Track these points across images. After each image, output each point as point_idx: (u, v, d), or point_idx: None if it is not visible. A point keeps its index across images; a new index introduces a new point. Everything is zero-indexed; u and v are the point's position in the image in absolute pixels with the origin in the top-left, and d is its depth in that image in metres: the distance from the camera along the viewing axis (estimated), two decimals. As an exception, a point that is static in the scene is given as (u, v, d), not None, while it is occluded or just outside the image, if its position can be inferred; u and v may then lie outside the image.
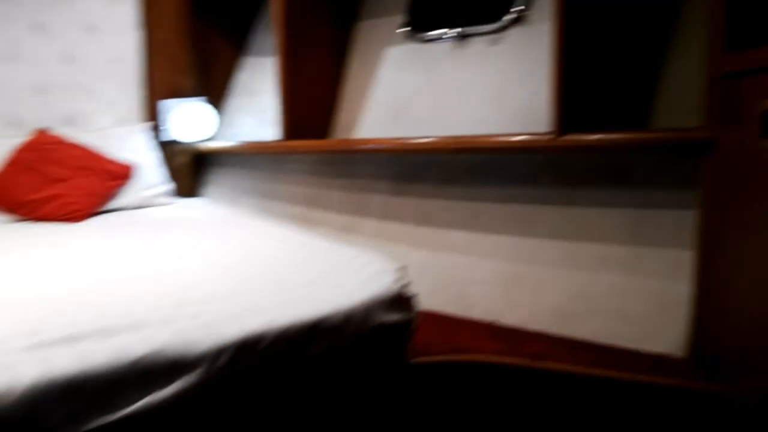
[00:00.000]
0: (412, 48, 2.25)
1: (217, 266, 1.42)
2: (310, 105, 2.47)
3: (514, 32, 1.94)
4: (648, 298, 1.49)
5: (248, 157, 2.80)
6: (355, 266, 1.36)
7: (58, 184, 2.33)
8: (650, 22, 1.61)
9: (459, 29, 2.07)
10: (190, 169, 2.93)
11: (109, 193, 2.44)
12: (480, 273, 1.86)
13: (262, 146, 2.58)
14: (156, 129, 2.84)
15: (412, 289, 1.36)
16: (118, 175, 2.48)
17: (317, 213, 2.44)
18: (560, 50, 1.54)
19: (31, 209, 2.26)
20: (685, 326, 1.42)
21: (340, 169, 2.40)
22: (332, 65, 2.53)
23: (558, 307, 1.66)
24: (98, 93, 2.75)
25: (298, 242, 1.66)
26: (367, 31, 2.49)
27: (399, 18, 2.30)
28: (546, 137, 1.58)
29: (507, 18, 1.94)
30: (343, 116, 2.52)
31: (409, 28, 2.25)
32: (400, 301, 1.28)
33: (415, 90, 2.22)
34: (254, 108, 2.90)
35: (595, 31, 1.66)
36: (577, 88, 1.59)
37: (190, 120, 2.79)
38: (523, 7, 1.91)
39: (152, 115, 2.86)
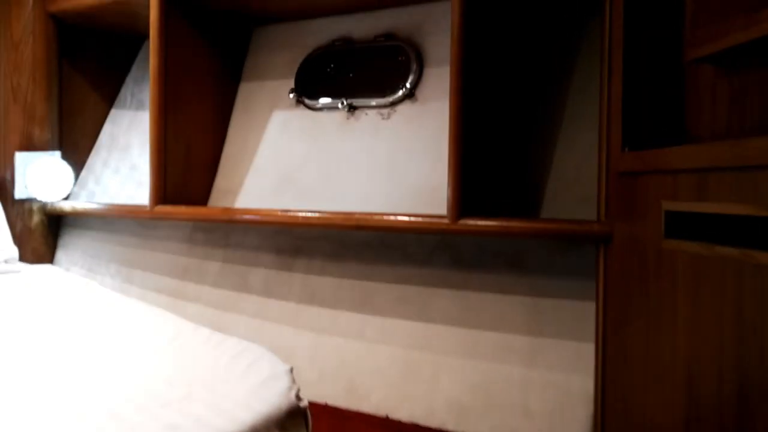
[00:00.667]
0: (300, 114, 2.13)
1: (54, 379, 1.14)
2: (186, 166, 2.24)
3: (405, 107, 1.89)
4: (550, 392, 1.42)
5: (111, 221, 2.48)
6: (238, 371, 1.14)
7: None
8: (545, 109, 1.61)
9: (349, 100, 1.99)
10: (42, 232, 2.54)
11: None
12: (372, 360, 1.71)
13: (129, 210, 2.29)
14: (3, 185, 2.44)
15: (303, 393, 1.17)
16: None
17: (190, 286, 2.17)
18: (456, 131, 1.48)
19: None
20: (589, 424, 1.36)
21: (218, 238, 2.18)
22: (213, 125, 2.34)
23: (456, 400, 1.54)
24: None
25: (167, 335, 1.42)
26: (252, 92, 2.34)
27: (287, 82, 2.18)
28: (442, 220, 1.50)
29: (398, 93, 1.89)
30: (223, 180, 2.31)
31: (297, 94, 2.13)
32: (295, 415, 1.08)
33: (302, 158, 2.08)
34: (122, 165, 2.60)
35: (491, 112, 1.63)
36: (472, 171, 1.54)
37: (45, 176, 2.43)
38: (413, 83, 1.87)
39: (1, 170, 2.47)
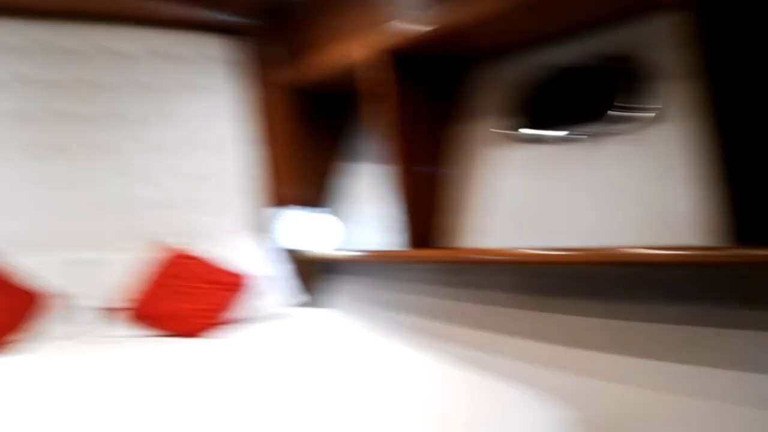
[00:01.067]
0: (526, 148, 2.13)
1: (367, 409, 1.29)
2: (424, 211, 2.38)
3: (647, 132, 1.79)
4: None
5: (367, 266, 2.73)
6: (524, 416, 1.18)
7: (182, 297, 2.35)
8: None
9: (579, 127, 1.94)
10: (306, 279, 2.89)
11: (232, 305, 2.42)
12: (643, 407, 1.63)
13: (384, 256, 2.51)
14: (269, 239, 2.85)
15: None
16: (240, 286, 2.47)
17: (443, 326, 2.29)
18: (716, 150, 1.37)
19: (159, 323, 2.30)
20: None
21: (465, 278, 2.27)
22: (435, 168, 2.44)
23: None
24: (214, 206, 2.82)
25: (454, 377, 1.52)
26: (470, 130, 2.39)
27: (505, 117, 2.20)
28: (720, 251, 1.39)
29: (630, 115, 1.80)
30: (460, 221, 2.41)
31: (521, 127, 2.13)
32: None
33: (535, 192, 2.08)
34: (363, 214, 2.85)
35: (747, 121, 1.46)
36: (743, 194, 1.41)
37: (303, 229, 2.79)
38: (643, 103, 1.77)
39: (265, 226, 2.89)
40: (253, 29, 2.85)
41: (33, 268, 2.30)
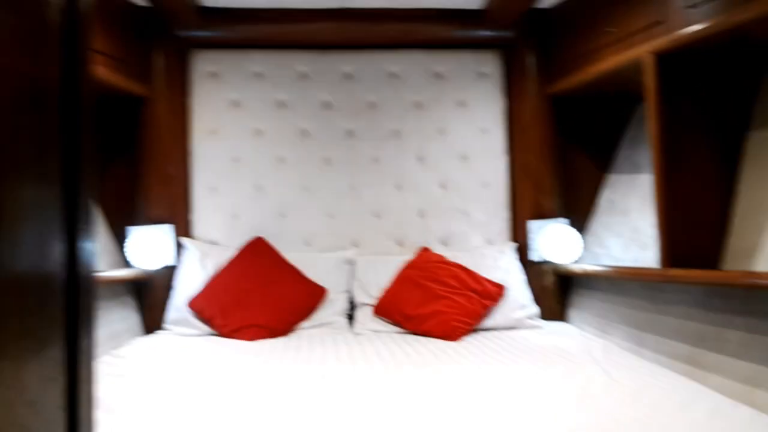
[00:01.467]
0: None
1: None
2: (694, 228, 2.16)
3: None
4: None
5: (618, 282, 2.57)
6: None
7: (439, 300, 2.48)
8: None
9: None
10: (555, 291, 2.83)
11: (484, 313, 2.50)
12: None
13: (636, 272, 2.33)
14: (522, 249, 2.86)
15: None
16: (492, 294, 2.54)
17: (708, 355, 2.04)
18: None
19: (415, 323, 2.45)
20: None
21: (740, 304, 1.99)
22: (718, 182, 2.19)
23: None
24: (470, 215, 2.92)
25: (701, 409, 1.36)
26: (763, 141, 2.09)
27: None
28: None
29: None
30: (737, 240, 2.12)
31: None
32: None
33: None
34: (623, 228, 2.69)
35: None
36: None
37: (555, 241, 2.72)
38: None
39: (518, 236, 2.90)
40: (509, 41, 2.90)
41: (314, 264, 2.70)
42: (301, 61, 2.91)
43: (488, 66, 2.97)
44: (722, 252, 2.16)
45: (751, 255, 2.04)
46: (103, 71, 2.35)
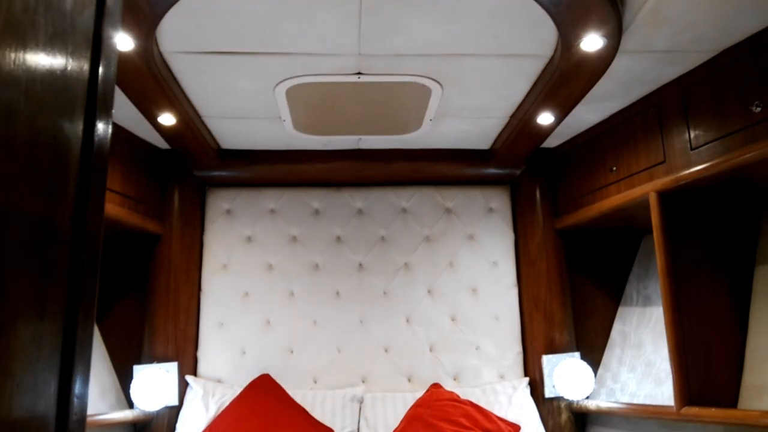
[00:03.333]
0: None
1: None
2: (708, 364, 2.15)
3: None
4: None
5: (634, 420, 2.49)
6: None
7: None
8: None
9: None
10: (570, 429, 2.74)
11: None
12: None
13: (651, 411, 2.29)
14: (534, 384, 2.81)
15: None
16: (511, 436, 2.47)
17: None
18: None
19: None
20: None
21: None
22: (730, 317, 2.21)
23: None
24: (481, 349, 2.92)
25: None
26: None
27: None
28: None
29: None
30: (752, 377, 2.09)
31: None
32: None
33: None
34: (637, 362, 2.66)
35: None
36: None
37: (567, 376, 2.69)
38: None
39: (531, 370, 2.88)
40: (517, 178, 3.08)
41: (321, 402, 2.69)
42: (314, 198, 3.10)
43: (496, 201, 3.13)
44: (739, 389, 2.12)
45: (766, 391, 2.00)
46: (120, 211, 2.53)
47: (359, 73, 2.18)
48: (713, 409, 1.97)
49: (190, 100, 2.39)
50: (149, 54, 1.95)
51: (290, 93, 2.31)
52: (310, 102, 2.43)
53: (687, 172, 2.11)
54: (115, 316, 2.82)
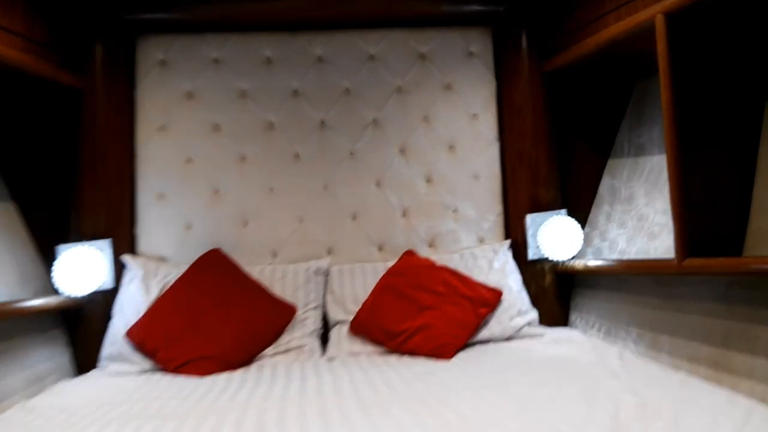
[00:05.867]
0: None
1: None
2: (713, 211, 2.01)
3: None
4: None
5: (625, 278, 2.40)
6: None
7: (425, 312, 2.29)
8: None
9: None
10: (556, 292, 2.66)
11: (478, 323, 2.32)
12: None
13: (646, 266, 2.17)
14: (517, 247, 2.68)
15: None
16: (488, 300, 2.36)
17: (736, 357, 1.87)
18: None
19: (399, 341, 2.25)
20: None
21: (761, 295, 1.83)
22: (737, 158, 2.04)
23: None
24: (459, 211, 2.75)
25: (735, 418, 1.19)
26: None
27: None
28: None
29: None
30: (758, 222, 1.96)
31: None
32: None
33: None
34: (627, 217, 2.53)
35: None
36: None
37: (553, 235, 2.55)
38: None
39: (513, 232, 2.73)
40: (500, 16, 2.75)
41: (281, 277, 2.50)
42: (265, 45, 2.73)
43: (477, 44, 2.82)
44: (745, 236, 2.00)
45: (776, 239, 1.89)
46: (22, 57, 2.14)
47: None
48: (717, 259, 1.85)
49: None
50: None
51: None
52: None
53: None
54: (37, 191, 2.49)
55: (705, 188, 2.01)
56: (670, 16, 1.97)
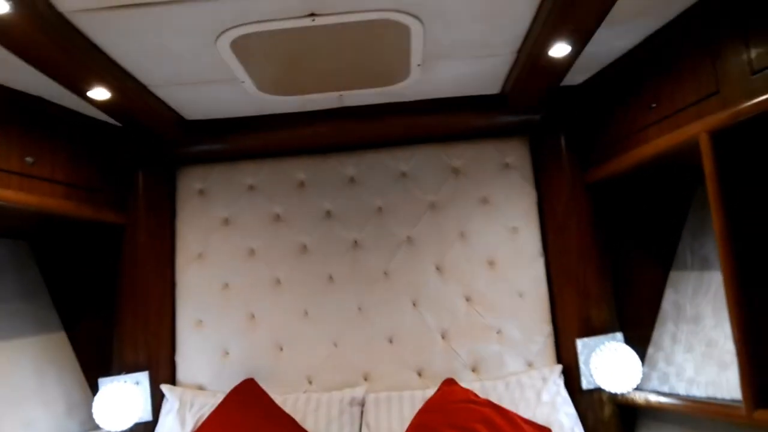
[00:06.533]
0: None
1: None
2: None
3: None
4: None
5: (695, 417, 2.09)
6: None
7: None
8: None
9: None
10: (616, 425, 2.36)
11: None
12: None
13: (713, 411, 1.88)
14: (569, 373, 2.43)
15: None
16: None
17: None
18: None
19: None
20: None
21: None
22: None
23: None
24: (503, 333, 2.55)
25: None
26: None
27: None
28: None
29: None
30: None
31: None
32: None
33: None
34: (695, 340, 2.23)
35: None
36: None
37: (607, 365, 2.29)
38: None
39: (564, 356, 2.49)
40: (536, 126, 2.62)
41: (315, 408, 2.38)
42: (297, 168, 2.73)
43: (514, 155, 2.69)
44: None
45: None
46: (62, 204, 2.22)
47: (312, 15, 1.77)
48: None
49: (124, 68, 2.03)
50: (36, 15, 1.59)
51: (237, 47, 1.91)
52: (266, 56, 2.03)
53: (748, 104, 1.63)
54: (86, 324, 2.55)
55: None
56: (716, 134, 1.78)
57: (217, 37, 1.86)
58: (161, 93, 2.28)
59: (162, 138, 2.57)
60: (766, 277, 1.76)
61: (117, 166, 2.56)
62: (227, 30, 1.82)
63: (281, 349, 2.58)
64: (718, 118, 1.75)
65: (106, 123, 2.47)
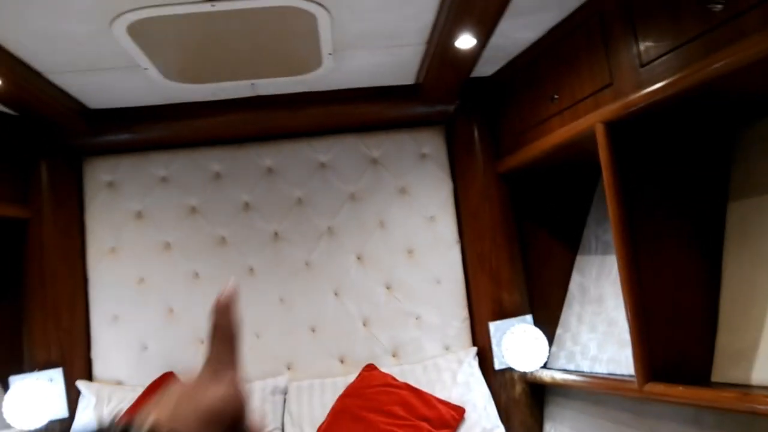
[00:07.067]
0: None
1: None
2: (675, 326, 1.81)
3: None
4: None
5: (592, 393, 2.19)
6: None
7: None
8: None
9: None
10: (527, 403, 2.44)
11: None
12: None
13: (609, 386, 1.97)
14: (484, 354, 2.49)
15: None
16: (449, 421, 2.19)
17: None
18: None
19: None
20: None
21: (737, 426, 1.61)
22: (699, 268, 1.85)
23: None
24: (422, 318, 2.58)
25: None
26: (752, 210, 1.77)
27: None
28: None
29: None
30: (726, 338, 1.76)
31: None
32: None
33: None
34: (597, 320, 2.33)
35: None
36: None
37: (517, 345, 2.36)
38: None
39: (479, 339, 2.54)
40: (450, 116, 2.65)
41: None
42: (212, 159, 2.65)
43: (430, 145, 2.71)
44: (713, 354, 1.80)
45: (746, 357, 1.68)
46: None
47: (211, 0, 1.72)
48: (680, 388, 1.64)
49: (15, 56, 1.92)
50: None
51: (135, 32, 1.83)
52: (169, 42, 1.96)
53: (636, 95, 1.70)
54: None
55: (665, 302, 1.82)
56: (610, 124, 1.84)
57: (112, 20, 1.77)
58: (59, 81, 2.17)
59: (65, 128, 2.44)
60: (657, 261, 1.85)
61: (16, 157, 2.42)
62: (122, 14, 1.74)
63: (202, 342, 2.52)
64: (612, 109, 1.82)
65: (1, 112, 2.33)
